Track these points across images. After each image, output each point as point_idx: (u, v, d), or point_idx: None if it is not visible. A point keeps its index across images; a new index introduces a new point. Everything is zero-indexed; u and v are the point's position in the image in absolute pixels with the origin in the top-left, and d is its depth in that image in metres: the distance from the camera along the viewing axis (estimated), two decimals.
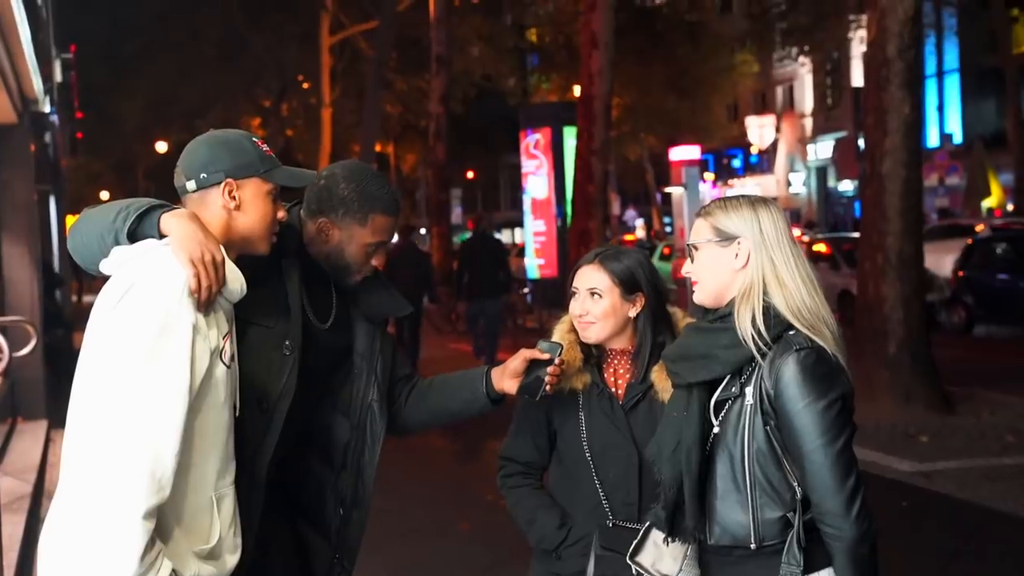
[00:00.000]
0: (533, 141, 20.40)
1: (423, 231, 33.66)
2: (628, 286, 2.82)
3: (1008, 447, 8.38)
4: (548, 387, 2.74)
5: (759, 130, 39.74)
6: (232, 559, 2.29)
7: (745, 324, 2.36)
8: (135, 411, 2.04)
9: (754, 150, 42.63)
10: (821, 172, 42.26)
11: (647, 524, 2.56)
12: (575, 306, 2.86)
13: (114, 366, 2.07)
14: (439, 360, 14.06)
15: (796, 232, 24.67)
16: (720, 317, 2.44)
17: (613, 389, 2.86)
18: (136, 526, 2.00)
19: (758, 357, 2.35)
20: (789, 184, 43.18)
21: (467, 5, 30.86)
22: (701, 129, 33.58)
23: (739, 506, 2.37)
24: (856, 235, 15.05)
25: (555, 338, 2.87)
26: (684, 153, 17.96)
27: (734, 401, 2.39)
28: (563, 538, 2.84)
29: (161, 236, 2.24)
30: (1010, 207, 26.97)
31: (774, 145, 42.37)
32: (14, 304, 9.78)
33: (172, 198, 2.45)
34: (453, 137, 25.78)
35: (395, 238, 2.74)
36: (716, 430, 2.41)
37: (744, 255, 2.41)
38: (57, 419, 8.86)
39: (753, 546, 2.36)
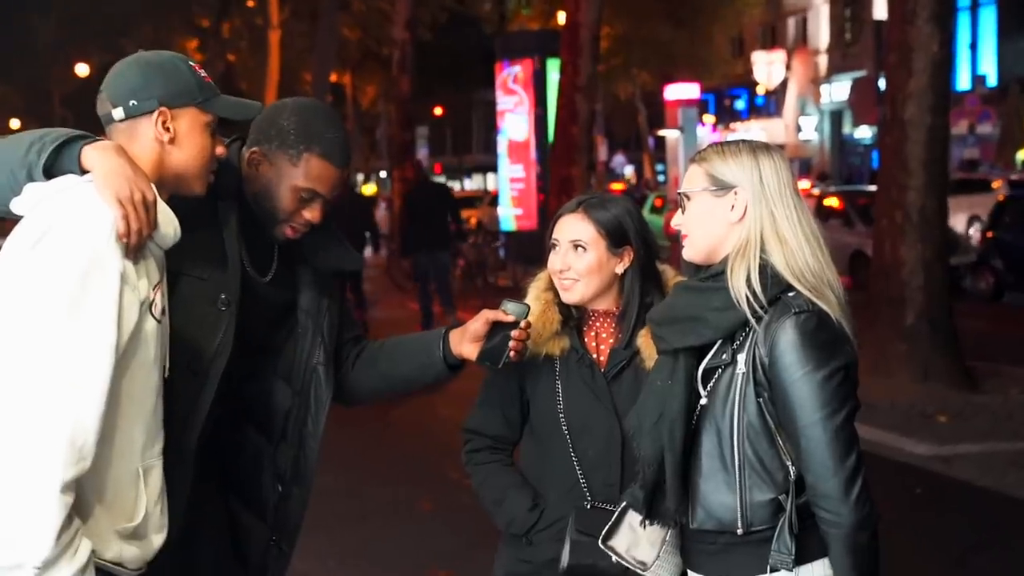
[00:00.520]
0: (511, 75, 20.32)
1: (383, 174, 33.52)
2: (615, 238, 2.80)
3: None
4: (512, 354, 2.71)
5: (767, 67, 39.71)
6: (158, 539, 2.29)
7: (739, 284, 2.36)
8: (53, 370, 2.01)
9: (760, 90, 42.59)
10: (836, 117, 42.24)
11: (622, 504, 2.59)
12: (555, 260, 2.83)
13: (29, 320, 2.04)
14: (396, 321, 14.08)
15: (805, 184, 24.90)
16: (712, 276, 2.45)
17: (594, 355, 2.85)
18: (52, 501, 1.96)
19: (752, 321, 2.36)
20: (799, 130, 43.15)
21: None
22: (701, 65, 33.44)
23: (726, 486, 2.39)
24: (873, 188, 15.05)
25: (530, 297, 2.86)
26: (681, 92, 18.03)
27: (724, 369, 2.41)
28: (534, 521, 2.83)
29: (83, 172, 2.21)
30: None
31: (783, 85, 42.34)
32: None
33: (94, 128, 2.43)
34: (419, 68, 25.57)
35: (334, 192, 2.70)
36: (703, 401, 2.44)
37: (741, 207, 2.42)
38: None
39: (740, 531, 2.38)
